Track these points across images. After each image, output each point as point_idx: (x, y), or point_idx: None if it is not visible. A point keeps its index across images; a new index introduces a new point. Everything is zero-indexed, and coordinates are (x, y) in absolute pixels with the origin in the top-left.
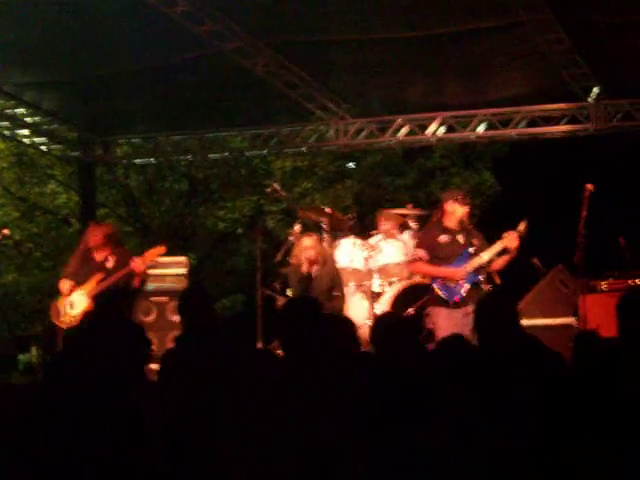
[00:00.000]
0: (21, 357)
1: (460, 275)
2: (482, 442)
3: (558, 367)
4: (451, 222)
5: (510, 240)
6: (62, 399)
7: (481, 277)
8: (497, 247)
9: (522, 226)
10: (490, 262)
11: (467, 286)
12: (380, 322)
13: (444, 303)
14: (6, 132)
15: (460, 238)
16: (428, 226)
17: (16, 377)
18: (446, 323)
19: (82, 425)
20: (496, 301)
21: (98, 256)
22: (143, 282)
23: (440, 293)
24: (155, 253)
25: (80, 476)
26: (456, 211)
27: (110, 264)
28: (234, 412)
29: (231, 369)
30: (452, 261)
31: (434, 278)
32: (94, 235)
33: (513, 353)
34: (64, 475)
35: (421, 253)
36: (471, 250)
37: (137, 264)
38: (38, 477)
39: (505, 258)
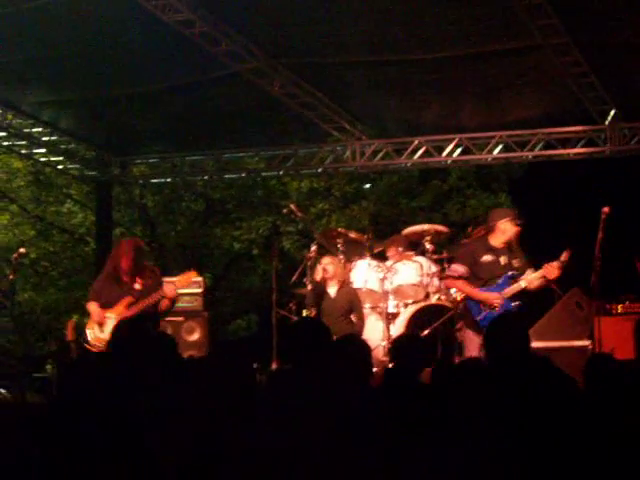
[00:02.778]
0: (36, 375)
1: (498, 301)
2: (489, 462)
3: (569, 390)
4: (497, 241)
5: (551, 271)
6: (75, 417)
7: (515, 305)
8: (537, 276)
9: (564, 256)
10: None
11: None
12: (400, 341)
13: (475, 325)
14: (23, 151)
15: (503, 259)
16: (470, 241)
17: (31, 395)
18: (474, 346)
19: (94, 443)
20: (506, 322)
21: (126, 277)
22: (173, 304)
23: (474, 315)
24: (188, 279)
25: None
26: (508, 231)
27: (138, 286)
28: (245, 432)
29: (244, 390)
30: (492, 283)
31: (469, 299)
32: (124, 255)
33: (522, 375)
34: None
35: (461, 269)
36: (511, 274)
37: (169, 290)
38: None
39: (541, 283)
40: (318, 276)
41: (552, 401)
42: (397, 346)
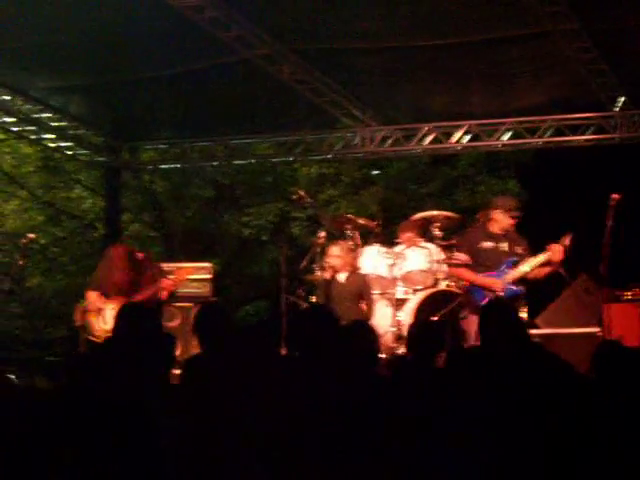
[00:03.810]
0: (45, 360)
1: (499, 286)
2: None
3: (566, 375)
4: (494, 228)
5: (554, 253)
6: (83, 402)
7: (519, 289)
8: (540, 259)
9: (566, 239)
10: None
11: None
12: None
13: (479, 310)
14: (32, 136)
15: (503, 245)
16: (470, 229)
17: (40, 380)
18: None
19: (100, 429)
20: (500, 306)
21: (128, 270)
22: (171, 295)
23: (477, 300)
24: (185, 274)
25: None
26: (500, 221)
27: (139, 277)
28: (253, 419)
29: (253, 377)
30: (493, 269)
31: (472, 285)
32: (118, 269)
33: (516, 358)
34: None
35: (463, 257)
36: (514, 259)
37: (167, 284)
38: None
39: (547, 269)
40: (327, 274)
41: (550, 386)
42: (413, 334)
